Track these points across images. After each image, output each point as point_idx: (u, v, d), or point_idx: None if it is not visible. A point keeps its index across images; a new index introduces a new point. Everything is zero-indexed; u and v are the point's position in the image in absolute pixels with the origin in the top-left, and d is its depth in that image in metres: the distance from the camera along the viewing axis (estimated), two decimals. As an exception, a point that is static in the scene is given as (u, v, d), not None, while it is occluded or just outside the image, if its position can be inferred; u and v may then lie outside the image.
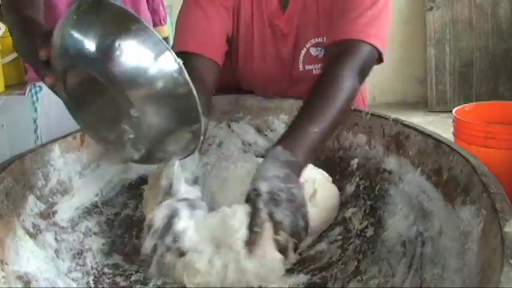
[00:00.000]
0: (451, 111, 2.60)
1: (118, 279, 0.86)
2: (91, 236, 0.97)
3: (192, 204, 0.86)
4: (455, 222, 0.74)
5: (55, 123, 1.62)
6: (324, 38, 1.25)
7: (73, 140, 1.09)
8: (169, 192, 0.89)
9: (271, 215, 0.81)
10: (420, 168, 0.90)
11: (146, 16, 1.57)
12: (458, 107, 2.62)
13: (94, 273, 0.87)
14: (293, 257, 0.84)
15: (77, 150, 1.09)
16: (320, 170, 1.02)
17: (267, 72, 1.34)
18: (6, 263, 0.73)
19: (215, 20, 1.24)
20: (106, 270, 0.88)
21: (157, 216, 0.82)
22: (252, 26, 1.30)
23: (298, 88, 1.33)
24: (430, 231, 0.79)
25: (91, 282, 0.85)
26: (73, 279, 0.84)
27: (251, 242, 0.79)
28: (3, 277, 0.69)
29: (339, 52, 1.11)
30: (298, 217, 0.84)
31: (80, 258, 0.90)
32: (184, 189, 0.89)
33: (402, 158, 0.96)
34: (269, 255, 0.80)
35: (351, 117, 1.11)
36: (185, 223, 0.82)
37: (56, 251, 0.89)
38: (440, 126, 3.31)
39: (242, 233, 0.80)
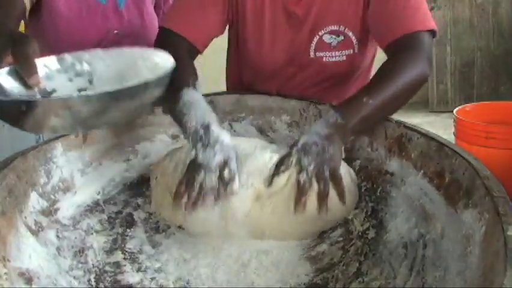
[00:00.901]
0: (452, 111, 2.60)
1: (120, 277, 0.86)
2: (92, 234, 0.97)
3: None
4: (457, 225, 0.74)
5: None
6: (342, 26, 1.26)
7: (75, 138, 1.09)
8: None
9: (299, 161, 0.92)
10: (422, 171, 0.90)
11: (151, 17, 1.56)
12: (459, 107, 2.63)
13: (95, 271, 0.87)
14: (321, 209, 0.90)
15: (79, 148, 1.10)
16: (349, 168, 1.03)
17: (276, 58, 1.33)
18: (8, 260, 0.74)
19: (210, 9, 1.26)
20: (107, 268, 0.88)
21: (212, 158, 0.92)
22: (263, 11, 1.29)
23: (305, 74, 1.33)
24: (432, 234, 0.79)
25: (92, 280, 0.85)
26: (74, 277, 0.84)
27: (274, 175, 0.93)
28: (5, 273, 0.70)
29: (401, 48, 1.13)
30: (324, 168, 0.91)
31: (81, 256, 0.90)
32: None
33: (405, 160, 0.96)
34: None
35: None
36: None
37: (58, 249, 0.89)
38: (441, 126, 3.31)
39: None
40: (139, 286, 0.84)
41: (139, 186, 1.14)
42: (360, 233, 0.92)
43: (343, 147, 0.98)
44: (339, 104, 1.06)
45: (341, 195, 0.93)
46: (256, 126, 1.29)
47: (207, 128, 0.96)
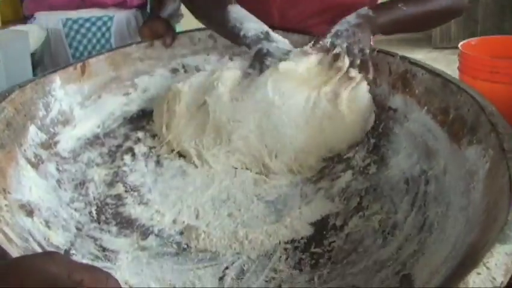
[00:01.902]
0: (455, 48, 2.56)
1: (121, 209, 0.86)
2: (93, 167, 0.97)
3: None
4: (461, 162, 0.73)
5: (48, 56, 1.60)
6: None
7: (74, 71, 1.08)
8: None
9: (332, 43, 0.99)
10: (426, 107, 0.88)
11: None
12: (464, 41, 2.58)
13: (96, 203, 0.87)
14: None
15: (78, 81, 1.08)
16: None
17: None
18: (9, 192, 0.73)
19: None
20: (108, 200, 0.89)
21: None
22: None
23: (322, 17, 1.29)
24: (434, 170, 0.79)
25: (94, 212, 0.85)
26: (75, 209, 0.84)
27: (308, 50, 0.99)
28: (6, 205, 0.69)
29: None
30: (354, 47, 0.98)
31: (82, 188, 0.90)
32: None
33: (408, 96, 0.94)
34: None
35: (357, 53, 1.08)
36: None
37: (58, 181, 0.89)
38: (444, 62, 3.28)
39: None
40: (140, 218, 0.84)
41: (139, 120, 1.13)
42: (361, 169, 0.91)
43: (372, 36, 1.03)
44: (374, 6, 1.09)
45: (365, 69, 0.98)
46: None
47: (267, 33, 1.08)
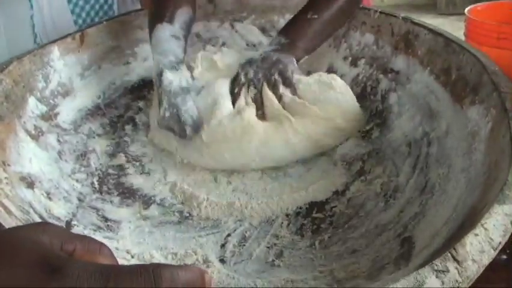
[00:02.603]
0: (461, 14, 2.51)
1: (123, 179, 0.86)
2: (94, 137, 0.96)
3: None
4: (463, 122, 0.72)
5: (49, 20, 1.58)
6: None
7: (72, 41, 1.06)
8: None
9: (246, 75, 0.88)
10: (429, 68, 0.87)
11: None
12: (471, 6, 2.53)
13: (98, 174, 0.87)
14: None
15: (77, 51, 1.07)
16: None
17: None
18: (9, 164, 0.73)
19: None
20: (110, 171, 0.88)
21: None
22: None
23: None
24: (437, 132, 0.78)
25: (96, 182, 0.85)
26: (77, 180, 0.84)
27: (234, 101, 0.86)
28: (5, 178, 0.69)
29: None
30: (273, 71, 0.88)
31: (83, 159, 0.90)
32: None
33: (411, 57, 0.93)
34: (246, 114, 0.84)
35: (359, 15, 1.06)
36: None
37: (59, 153, 0.88)
38: (449, 28, 3.22)
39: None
40: (142, 188, 0.84)
41: (140, 89, 1.12)
42: (363, 133, 0.90)
43: (295, 60, 0.91)
44: (282, 27, 0.99)
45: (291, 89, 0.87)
46: (259, 25, 1.25)
47: (160, 75, 0.90)
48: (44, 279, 0.34)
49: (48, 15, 1.47)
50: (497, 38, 2.21)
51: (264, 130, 0.83)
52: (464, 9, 2.53)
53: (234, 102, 0.86)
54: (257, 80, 0.88)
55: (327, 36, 1.01)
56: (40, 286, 0.33)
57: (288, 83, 0.87)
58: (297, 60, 0.92)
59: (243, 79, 0.89)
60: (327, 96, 0.87)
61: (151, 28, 0.97)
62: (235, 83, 0.89)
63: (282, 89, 0.87)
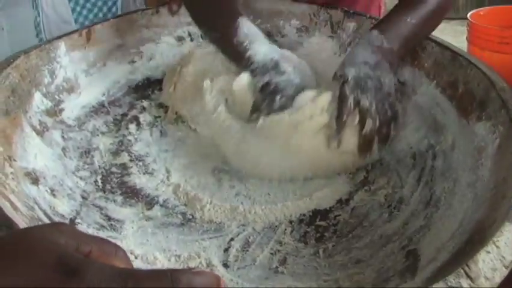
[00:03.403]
0: (463, 18, 2.52)
1: (126, 178, 0.86)
2: (98, 135, 0.96)
3: None
4: (469, 137, 0.72)
5: (53, 21, 1.58)
6: None
7: (79, 38, 1.06)
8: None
9: (357, 103, 0.80)
10: (435, 81, 0.87)
11: None
12: (473, 11, 2.54)
13: (101, 172, 0.87)
14: (376, 152, 0.83)
15: (83, 48, 1.07)
16: None
17: None
18: (15, 159, 0.73)
19: None
20: (114, 169, 0.88)
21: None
22: None
23: None
24: (442, 145, 0.78)
25: (99, 181, 0.85)
26: (80, 178, 0.84)
27: (338, 131, 0.80)
28: (11, 173, 0.69)
29: None
30: (386, 107, 0.82)
31: (87, 157, 0.90)
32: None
33: (417, 69, 0.93)
34: (350, 146, 0.81)
35: (366, 24, 1.06)
36: None
37: (63, 149, 0.88)
38: (451, 33, 3.23)
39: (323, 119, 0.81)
40: (145, 187, 0.84)
41: (144, 88, 1.13)
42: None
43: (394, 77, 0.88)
44: (378, 24, 0.94)
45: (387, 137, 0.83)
46: (264, 30, 1.24)
47: (276, 63, 0.90)
48: (62, 280, 0.34)
49: (51, 16, 1.48)
50: (500, 42, 2.23)
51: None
52: (466, 14, 2.54)
53: (339, 129, 0.80)
54: (373, 112, 0.80)
55: (417, 43, 0.96)
56: (58, 287, 0.33)
57: (396, 120, 0.83)
58: (393, 69, 0.90)
59: (352, 105, 0.80)
60: None
61: (230, 19, 0.96)
62: (343, 106, 0.80)
63: (392, 126, 0.83)
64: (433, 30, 0.97)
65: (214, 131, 0.92)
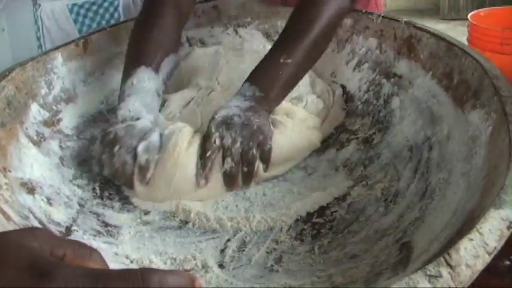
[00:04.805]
0: (464, 19, 2.51)
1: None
2: (96, 143, 0.96)
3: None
4: (464, 127, 0.71)
5: (53, 23, 1.59)
6: None
7: (76, 47, 1.07)
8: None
9: (221, 140, 0.79)
10: (431, 72, 0.86)
11: None
12: (474, 12, 2.53)
13: (99, 179, 0.87)
14: (245, 185, 0.82)
15: (80, 57, 1.08)
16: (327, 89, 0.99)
17: None
18: (9, 170, 0.74)
19: None
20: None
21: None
22: None
23: None
24: (438, 136, 0.77)
25: (97, 188, 0.85)
26: (78, 186, 0.84)
27: (203, 167, 0.79)
28: (5, 184, 0.70)
29: None
30: (252, 144, 0.80)
31: (85, 165, 0.90)
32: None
33: (413, 62, 0.92)
34: (213, 183, 0.80)
35: (362, 20, 1.06)
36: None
37: (61, 158, 0.89)
38: (452, 34, 3.21)
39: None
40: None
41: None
42: (365, 138, 0.90)
43: (269, 119, 0.86)
44: (251, 74, 0.90)
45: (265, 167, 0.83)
46: (263, 31, 1.25)
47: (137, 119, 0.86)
48: (32, 283, 0.34)
49: (53, 30, 1.49)
50: (501, 43, 2.22)
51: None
52: (467, 15, 2.53)
53: (203, 167, 0.80)
54: (235, 149, 0.79)
55: (299, 80, 0.94)
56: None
57: (265, 158, 0.82)
58: (270, 113, 0.88)
59: (217, 142, 0.80)
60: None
61: (132, 64, 0.95)
62: (207, 143, 0.80)
63: (256, 164, 0.81)
64: (319, 56, 0.97)
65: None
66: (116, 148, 0.80)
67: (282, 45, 0.92)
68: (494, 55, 2.19)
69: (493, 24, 2.40)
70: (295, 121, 0.91)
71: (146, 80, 0.93)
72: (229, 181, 0.81)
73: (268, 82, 0.88)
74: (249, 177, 0.81)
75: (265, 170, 0.83)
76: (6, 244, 0.37)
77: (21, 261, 0.35)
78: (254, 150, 0.80)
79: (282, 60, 0.88)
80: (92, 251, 0.40)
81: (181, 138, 0.82)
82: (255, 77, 0.89)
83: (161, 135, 0.84)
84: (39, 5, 1.57)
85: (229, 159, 0.79)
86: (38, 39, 1.55)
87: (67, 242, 0.40)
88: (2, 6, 1.36)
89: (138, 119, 0.86)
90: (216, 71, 1.05)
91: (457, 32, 3.09)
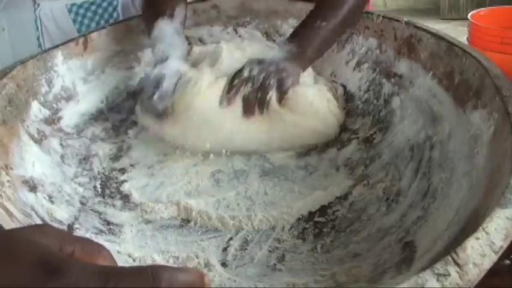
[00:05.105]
0: (464, 19, 2.52)
1: (126, 183, 0.86)
2: (97, 141, 0.97)
3: None
4: (465, 126, 0.72)
5: (52, 23, 1.58)
6: None
7: (76, 46, 1.07)
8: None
9: (250, 71, 0.90)
10: (431, 72, 0.87)
11: None
12: (474, 12, 2.54)
13: (101, 177, 0.87)
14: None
15: (81, 56, 1.08)
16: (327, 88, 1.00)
17: None
18: (11, 168, 0.73)
19: None
20: (113, 174, 0.88)
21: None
22: None
23: None
24: (439, 136, 0.77)
25: (98, 186, 0.85)
26: (79, 184, 0.84)
27: (228, 91, 0.89)
28: (8, 181, 0.69)
29: None
30: (274, 76, 0.89)
31: (86, 163, 0.90)
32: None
33: (414, 61, 0.93)
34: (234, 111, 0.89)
35: (362, 20, 1.06)
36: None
37: (62, 157, 0.89)
38: (452, 33, 3.21)
39: None
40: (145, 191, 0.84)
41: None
42: (366, 137, 0.90)
43: (300, 73, 0.94)
44: (293, 32, 1.01)
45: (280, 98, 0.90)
46: (262, 30, 1.25)
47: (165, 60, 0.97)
48: (43, 279, 0.34)
49: (52, 30, 1.48)
50: (501, 43, 2.22)
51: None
52: (467, 14, 2.54)
53: (228, 90, 0.89)
54: (258, 79, 0.89)
55: (333, 43, 1.03)
56: (38, 286, 0.33)
57: (282, 91, 0.89)
58: (303, 70, 0.95)
59: (246, 74, 0.90)
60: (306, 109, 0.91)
61: (151, 20, 1.04)
62: (237, 74, 0.91)
63: (270, 93, 0.89)
64: (349, 28, 1.06)
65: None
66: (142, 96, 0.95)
67: (319, 11, 1.00)
68: (494, 54, 2.20)
69: (493, 24, 2.41)
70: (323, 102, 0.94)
71: (166, 27, 1.02)
72: (246, 106, 0.89)
73: (304, 40, 0.96)
74: (261, 103, 0.89)
75: (280, 101, 0.90)
76: (16, 241, 0.37)
77: (31, 257, 0.35)
78: (272, 81, 0.89)
79: (318, 24, 0.96)
80: (100, 247, 0.40)
81: (202, 77, 0.92)
82: (293, 36, 0.99)
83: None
84: (38, 5, 1.57)
85: (249, 86, 0.89)
86: (38, 38, 1.54)
87: (75, 238, 0.40)
88: (2, 6, 1.35)
89: (167, 58, 0.96)
90: (218, 62, 1.04)
91: (456, 32, 3.09)
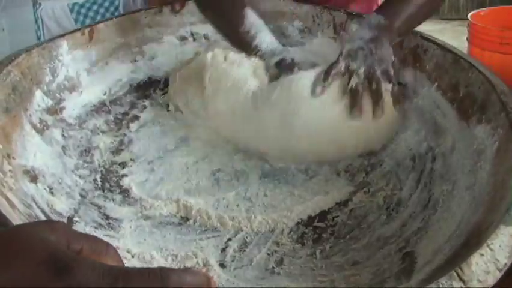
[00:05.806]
0: (463, 19, 2.52)
1: (126, 177, 0.86)
2: (98, 134, 0.97)
3: None
4: (469, 140, 0.72)
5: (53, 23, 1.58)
6: None
7: (81, 36, 1.07)
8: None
9: (347, 67, 0.87)
10: (436, 83, 0.87)
11: None
12: (473, 12, 2.54)
13: (101, 171, 0.87)
14: (376, 108, 0.86)
15: (86, 46, 1.07)
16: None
17: None
18: (13, 157, 0.73)
19: None
20: (113, 168, 0.88)
21: None
22: None
23: None
24: (442, 147, 0.78)
25: (98, 179, 0.85)
26: (79, 176, 0.84)
27: (324, 79, 0.87)
28: (10, 171, 0.69)
29: None
30: (375, 69, 0.86)
31: (87, 155, 0.90)
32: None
33: (419, 71, 0.93)
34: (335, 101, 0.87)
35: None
36: None
37: (63, 148, 0.88)
38: (452, 34, 3.23)
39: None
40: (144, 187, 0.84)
41: (145, 87, 1.13)
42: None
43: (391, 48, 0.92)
44: (380, 6, 0.99)
45: (394, 97, 0.88)
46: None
47: (283, 49, 1.00)
48: (52, 277, 0.34)
49: (54, 29, 1.47)
50: (500, 43, 2.22)
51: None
52: (467, 15, 2.54)
53: (325, 78, 0.87)
54: (360, 72, 0.86)
55: (421, 19, 0.99)
56: (47, 285, 0.33)
57: (390, 79, 0.88)
58: (391, 43, 0.93)
59: (342, 69, 0.87)
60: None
61: (237, 9, 1.01)
62: (333, 65, 0.88)
63: (384, 86, 0.86)
64: (433, 9, 1.03)
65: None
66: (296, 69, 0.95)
67: None
68: (494, 54, 2.20)
69: (493, 24, 2.41)
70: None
71: (257, 18, 1.02)
72: (354, 97, 0.85)
73: (392, 13, 0.94)
74: (377, 98, 0.86)
75: (395, 103, 0.88)
76: (24, 237, 0.37)
77: (40, 253, 0.35)
78: (379, 72, 0.87)
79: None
80: (108, 246, 0.40)
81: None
82: (382, 8, 0.97)
83: None
84: (40, 4, 1.56)
85: (355, 77, 0.86)
86: (39, 38, 1.54)
87: (83, 236, 0.40)
88: (2, 6, 1.35)
89: (284, 49, 1.01)
90: None
91: (456, 32, 3.10)
